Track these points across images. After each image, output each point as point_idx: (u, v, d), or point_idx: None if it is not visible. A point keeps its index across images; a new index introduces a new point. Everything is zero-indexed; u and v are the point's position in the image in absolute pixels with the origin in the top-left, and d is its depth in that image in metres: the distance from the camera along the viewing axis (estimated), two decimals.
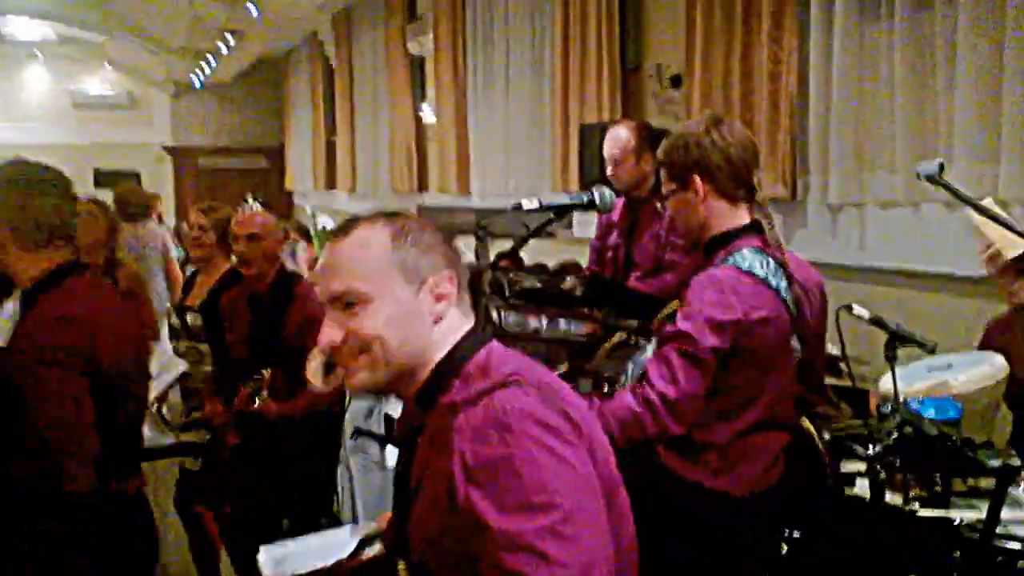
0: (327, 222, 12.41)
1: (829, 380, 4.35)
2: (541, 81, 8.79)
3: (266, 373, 4.66)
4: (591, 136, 6.44)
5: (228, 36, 15.13)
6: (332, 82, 16.57)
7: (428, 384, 1.90)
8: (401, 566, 1.94)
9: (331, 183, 17.18)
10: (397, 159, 12.87)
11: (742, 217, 3.04)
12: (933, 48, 4.87)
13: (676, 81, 6.82)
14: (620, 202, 4.92)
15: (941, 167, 2.88)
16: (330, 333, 1.88)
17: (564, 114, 7.98)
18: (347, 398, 5.07)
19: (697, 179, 2.99)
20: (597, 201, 3.29)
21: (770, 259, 2.95)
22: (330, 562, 2.25)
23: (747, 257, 2.93)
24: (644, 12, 7.57)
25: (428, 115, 12.26)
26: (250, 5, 12.46)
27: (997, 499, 2.62)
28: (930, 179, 2.88)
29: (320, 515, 5.14)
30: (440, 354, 1.89)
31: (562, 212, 3.32)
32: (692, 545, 2.93)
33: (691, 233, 3.08)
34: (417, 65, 12.63)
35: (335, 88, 16.25)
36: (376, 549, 2.27)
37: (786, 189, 5.62)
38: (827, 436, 3.52)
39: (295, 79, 19.88)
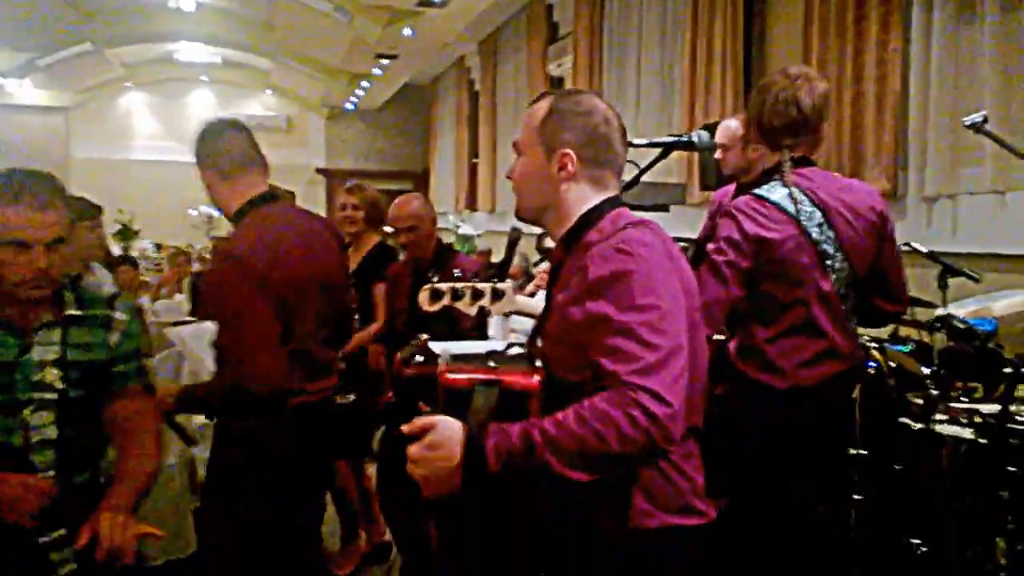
0: (468, 229, 13.16)
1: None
2: (671, 96, 9.42)
3: (422, 338, 5.19)
4: (712, 132, 6.93)
5: (382, 60, 16.00)
6: (476, 106, 17.39)
7: (572, 229, 2.54)
8: (536, 363, 2.59)
9: (472, 204, 17.91)
10: None
11: (772, 160, 3.68)
12: (1018, 49, 5.35)
13: None
14: (731, 187, 5.45)
15: (985, 119, 3.40)
16: (511, 165, 2.64)
17: (691, 125, 8.54)
18: None
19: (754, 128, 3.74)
20: (696, 140, 3.88)
21: (794, 188, 3.52)
22: (483, 351, 2.88)
23: (777, 187, 3.55)
24: (767, 29, 8.14)
25: None
26: (405, 28, 13.24)
27: (1009, 389, 3.11)
28: (975, 128, 3.40)
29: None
30: (582, 209, 2.53)
31: (667, 149, 3.93)
32: (732, 434, 3.45)
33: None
34: (556, 85, 13.31)
35: (479, 112, 17.07)
36: (517, 350, 2.91)
37: (889, 184, 6.11)
38: (892, 364, 4.05)
39: (441, 104, 20.78)
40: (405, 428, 2.35)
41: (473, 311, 3.37)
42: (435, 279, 3.35)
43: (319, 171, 22.85)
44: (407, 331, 5.05)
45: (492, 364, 2.50)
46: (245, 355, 3.42)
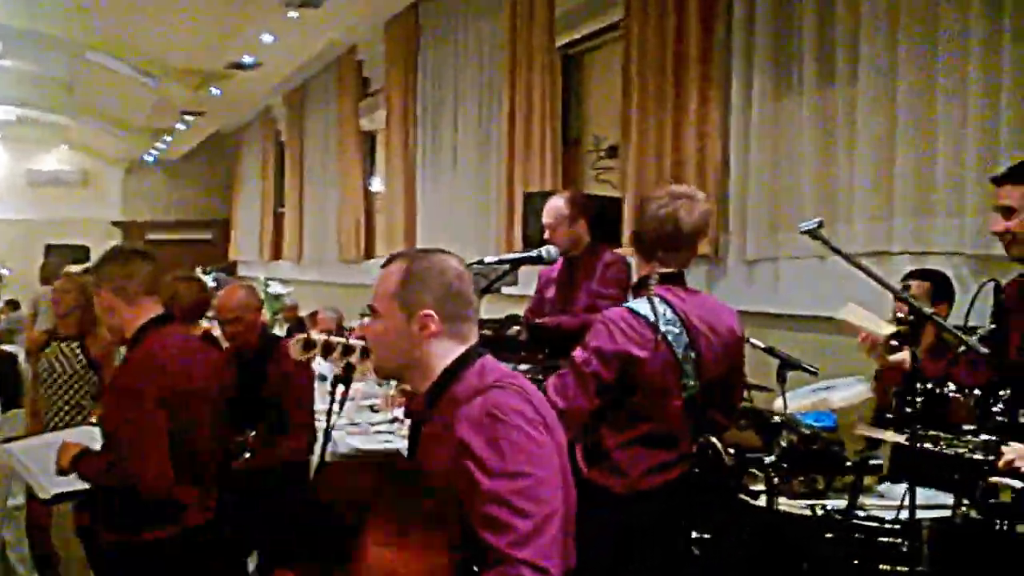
0: (277, 288, 12.94)
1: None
2: (488, 153, 9.51)
3: (250, 434, 5.18)
4: (533, 203, 7.06)
5: (187, 116, 15.73)
6: (282, 157, 17.23)
7: (435, 385, 2.56)
8: None
9: (277, 254, 17.77)
10: (345, 229, 13.52)
11: (646, 270, 3.76)
12: (836, 121, 5.63)
13: (612, 152, 7.54)
14: (560, 261, 5.56)
15: (820, 224, 3.54)
16: (363, 327, 2.57)
17: (510, 183, 8.67)
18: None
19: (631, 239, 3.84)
20: (544, 255, 4.01)
21: (668, 307, 3.63)
22: None
23: (645, 302, 3.63)
24: (584, 90, 8.34)
25: (377, 186, 12.91)
26: (213, 88, 13.07)
27: (856, 486, 3.25)
28: (809, 234, 3.53)
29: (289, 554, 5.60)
30: (444, 364, 2.55)
31: (517, 264, 4.10)
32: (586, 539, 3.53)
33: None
34: (367, 139, 13.33)
35: (285, 163, 16.91)
36: None
37: (710, 247, 6.31)
38: (732, 451, 4.17)
39: (245, 154, 20.59)
40: None
41: (340, 365, 3.38)
42: (311, 332, 3.45)
43: (115, 224, 22.26)
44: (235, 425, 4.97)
45: None
46: (138, 462, 3.73)
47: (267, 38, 11.28)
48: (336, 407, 3.23)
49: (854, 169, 5.48)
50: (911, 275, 4.53)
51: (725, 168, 6.36)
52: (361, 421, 6.75)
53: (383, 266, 2.65)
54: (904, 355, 3.75)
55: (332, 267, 14.36)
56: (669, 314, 3.59)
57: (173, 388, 3.84)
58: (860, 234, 5.37)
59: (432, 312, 2.54)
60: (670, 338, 3.56)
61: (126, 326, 3.97)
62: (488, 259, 4.01)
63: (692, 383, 3.62)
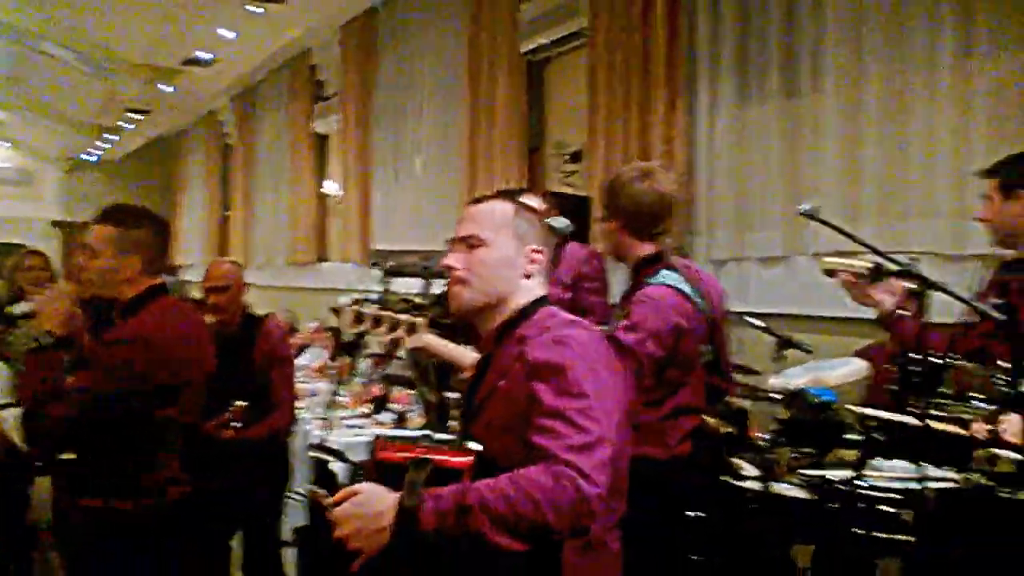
0: None
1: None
2: (449, 158, 9.57)
3: (239, 404, 5.21)
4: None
5: (133, 115, 15.58)
6: (227, 159, 17.17)
7: (508, 321, 2.65)
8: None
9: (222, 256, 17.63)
10: (297, 232, 13.52)
11: (649, 249, 3.86)
12: (801, 127, 5.82)
13: (576, 156, 7.68)
14: None
15: (818, 208, 3.70)
16: (452, 259, 2.67)
17: (472, 187, 8.74)
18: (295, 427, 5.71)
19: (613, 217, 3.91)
20: (555, 226, 4.06)
21: (685, 279, 3.76)
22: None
23: (671, 277, 3.76)
24: (544, 95, 8.47)
25: (330, 189, 12.95)
26: (163, 85, 12.98)
27: (863, 457, 3.36)
28: (808, 215, 3.68)
29: (268, 536, 5.66)
30: (521, 302, 2.66)
31: None
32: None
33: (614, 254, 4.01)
34: (320, 142, 13.36)
35: (232, 164, 16.85)
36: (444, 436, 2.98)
37: (678, 248, 6.46)
38: (724, 430, 4.28)
39: (189, 156, 20.43)
40: (330, 500, 2.40)
41: (387, 338, 3.46)
42: (362, 303, 3.47)
43: (55, 223, 21.98)
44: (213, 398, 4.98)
45: (424, 445, 2.55)
46: None
47: (227, 33, 11.21)
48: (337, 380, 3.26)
49: (820, 171, 5.65)
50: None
51: (691, 171, 6.51)
52: (329, 416, 6.81)
53: (474, 202, 2.77)
54: (888, 296, 3.79)
55: (281, 270, 14.33)
56: (690, 284, 3.74)
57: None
58: (826, 231, 5.52)
59: (544, 250, 2.66)
60: (702, 306, 3.74)
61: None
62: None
63: (708, 348, 3.79)
